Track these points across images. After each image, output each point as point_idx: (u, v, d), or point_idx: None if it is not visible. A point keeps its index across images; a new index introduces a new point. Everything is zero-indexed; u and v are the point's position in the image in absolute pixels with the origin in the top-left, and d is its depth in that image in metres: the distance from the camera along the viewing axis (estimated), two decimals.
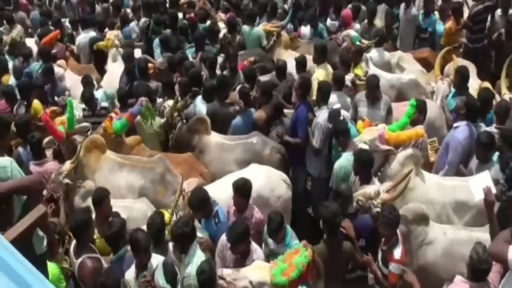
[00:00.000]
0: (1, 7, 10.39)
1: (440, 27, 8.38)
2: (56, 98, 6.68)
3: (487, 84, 6.46)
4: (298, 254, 3.66)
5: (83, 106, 6.28)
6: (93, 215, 4.37)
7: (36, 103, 6.18)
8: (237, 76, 6.92)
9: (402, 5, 8.68)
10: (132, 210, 4.77)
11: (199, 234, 4.12)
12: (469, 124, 5.30)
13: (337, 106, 5.71)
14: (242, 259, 4.03)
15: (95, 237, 4.32)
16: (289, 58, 7.36)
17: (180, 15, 9.05)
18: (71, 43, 8.86)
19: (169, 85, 6.65)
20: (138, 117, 5.90)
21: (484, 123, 5.59)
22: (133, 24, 8.85)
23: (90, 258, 3.91)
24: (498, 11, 8.02)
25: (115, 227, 4.05)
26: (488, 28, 7.91)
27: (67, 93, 6.69)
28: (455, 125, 5.41)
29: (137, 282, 3.79)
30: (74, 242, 4.10)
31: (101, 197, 4.44)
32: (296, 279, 3.58)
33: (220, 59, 7.39)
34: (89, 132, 5.76)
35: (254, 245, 4.13)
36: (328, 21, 8.92)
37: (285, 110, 6.06)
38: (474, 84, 6.39)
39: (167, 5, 10.02)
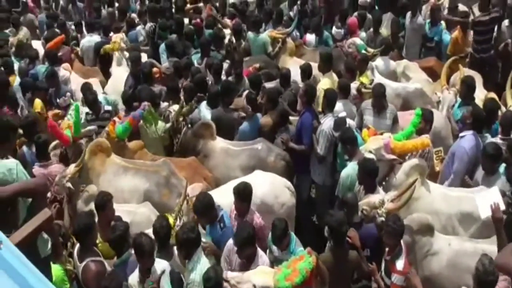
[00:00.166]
0: (8, 10, 10.46)
1: (447, 36, 8.38)
2: (58, 100, 6.71)
3: (492, 95, 6.44)
4: (302, 260, 3.66)
5: (87, 109, 6.28)
6: (96, 219, 4.36)
7: (37, 101, 6.21)
8: (242, 83, 6.93)
9: (408, 14, 8.68)
10: (136, 214, 4.77)
11: (203, 239, 4.11)
12: (475, 134, 5.28)
13: (343, 114, 5.71)
14: (247, 263, 4.03)
15: (97, 241, 4.31)
16: (294, 65, 7.37)
17: (186, 20, 9.08)
18: (76, 45, 8.89)
19: (174, 90, 6.66)
20: (142, 121, 5.90)
21: (490, 133, 5.58)
22: (139, 28, 8.89)
23: (94, 262, 3.91)
24: (505, 22, 8.01)
25: (119, 231, 4.04)
26: (494, 39, 7.89)
27: (68, 94, 6.70)
28: (461, 134, 5.40)
29: (140, 286, 3.77)
30: (77, 245, 4.09)
31: (104, 201, 4.43)
32: (299, 284, 3.57)
33: (225, 65, 7.40)
34: (94, 136, 5.77)
35: (260, 251, 4.13)
36: (334, 29, 8.94)
37: (291, 118, 6.07)
38: (480, 95, 6.37)
39: (173, 10, 10.06)
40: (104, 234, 4.32)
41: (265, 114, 6.16)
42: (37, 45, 8.67)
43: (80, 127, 5.66)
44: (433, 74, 7.44)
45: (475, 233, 4.60)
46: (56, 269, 3.91)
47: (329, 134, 5.61)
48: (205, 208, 4.35)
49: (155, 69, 7.22)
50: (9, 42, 8.78)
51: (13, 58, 8.08)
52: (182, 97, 6.52)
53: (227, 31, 8.77)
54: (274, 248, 4.26)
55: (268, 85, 6.68)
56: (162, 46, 8.05)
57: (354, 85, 6.50)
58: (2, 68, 7.42)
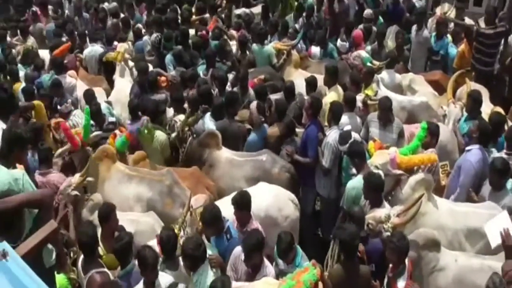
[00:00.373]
0: (17, 19, 10.55)
1: (453, 50, 8.36)
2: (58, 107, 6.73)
3: (498, 109, 6.43)
4: (306, 272, 3.64)
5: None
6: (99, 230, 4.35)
7: (40, 105, 6.27)
8: (247, 94, 6.93)
9: (414, 27, 8.68)
10: (139, 223, 4.78)
11: (209, 251, 4.10)
12: (481, 148, 5.26)
13: (348, 127, 5.69)
14: (253, 273, 4.04)
15: (101, 253, 4.30)
16: (299, 77, 7.38)
17: (192, 31, 9.11)
18: (80, 53, 8.91)
19: (179, 100, 6.67)
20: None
21: (496, 148, 5.55)
22: (146, 38, 8.92)
23: (99, 273, 3.91)
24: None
25: (123, 241, 4.04)
26: (501, 53, 7.88)
27: (69, 101, 6.71)
28: (467, 148, 5.37)
29: None
30: (82, 257, 4.08)
31: (107, 212, 4.44)
32: None
33: (230, 76, 7.41)
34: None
35: (266, 261, 4.14)
36: (339, 42, 8.95)
37: (297, 130, 6.06)
38: (486, 109, 6.35)
39: (179, 21, 10.10)
40: (108, 245, 4.32)
41: (270, 125, 6.16)
42: (44, 54, 8.70)
43: (90, 130, 5.70)
44: (439, 88, 7.43)
45: (482, 249, 4.56)
46: (60, 278, 3.90)
47: (334, 146, 5.60)
48: (213, 219, 4.36)
49: (162, 78, 7.24)
50: (16, 50, 8.83)
51: (20, 66, 8.11)
52: (187, 108, 6.54)
53: (233, 43, 8.79)
54: (280, 261, 4.24)
55: (273, 97, 6.68)
56: (168, 57, 8.06)
57: (359, 97, 6.49)
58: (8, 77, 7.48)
